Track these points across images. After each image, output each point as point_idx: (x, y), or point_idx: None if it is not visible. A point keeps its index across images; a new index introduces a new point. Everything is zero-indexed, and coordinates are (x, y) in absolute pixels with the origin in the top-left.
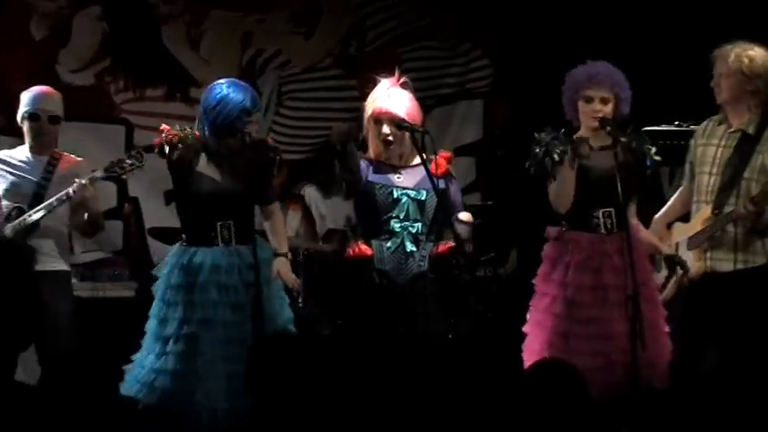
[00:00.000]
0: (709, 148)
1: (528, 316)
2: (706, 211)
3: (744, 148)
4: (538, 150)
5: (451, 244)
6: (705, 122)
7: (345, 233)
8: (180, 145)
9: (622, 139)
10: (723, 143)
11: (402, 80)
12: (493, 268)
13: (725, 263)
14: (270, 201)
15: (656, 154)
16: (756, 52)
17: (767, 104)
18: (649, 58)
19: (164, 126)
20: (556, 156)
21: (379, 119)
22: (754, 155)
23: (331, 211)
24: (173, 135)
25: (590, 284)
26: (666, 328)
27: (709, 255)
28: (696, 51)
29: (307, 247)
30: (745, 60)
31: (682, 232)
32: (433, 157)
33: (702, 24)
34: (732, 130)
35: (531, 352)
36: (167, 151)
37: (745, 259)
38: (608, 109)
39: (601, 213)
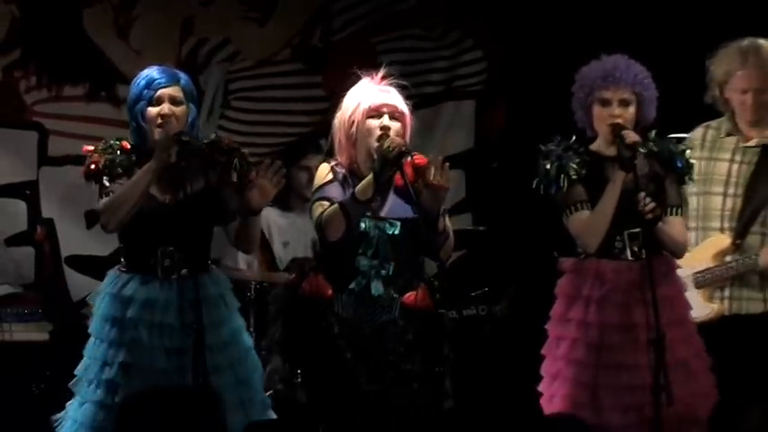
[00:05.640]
0: (718, 163)
1: (543, 369)
2: (721, 240)
3: None
4: (549, 166)
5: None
6: (700, 130)
7: (306, 262)
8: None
9: (641, 150)
10: (739, 158)
11: (386, 79)
12: (486, 306)
13: (753, 303)
14: (232, 218)
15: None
16: None
17: None
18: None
19: (85, 148)
20: (572, 173)
21: (379, 112)
22: None
23: (293, 231)
24: (96, 157)
25: (617, 323)
26: (711, 378)
27: (728, 293)
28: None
29: (258, 279)
30: None
31: (685, 263)
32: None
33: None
34: (749, 144)
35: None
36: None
37: None
38: (629, 113)
39: (626, 236)
